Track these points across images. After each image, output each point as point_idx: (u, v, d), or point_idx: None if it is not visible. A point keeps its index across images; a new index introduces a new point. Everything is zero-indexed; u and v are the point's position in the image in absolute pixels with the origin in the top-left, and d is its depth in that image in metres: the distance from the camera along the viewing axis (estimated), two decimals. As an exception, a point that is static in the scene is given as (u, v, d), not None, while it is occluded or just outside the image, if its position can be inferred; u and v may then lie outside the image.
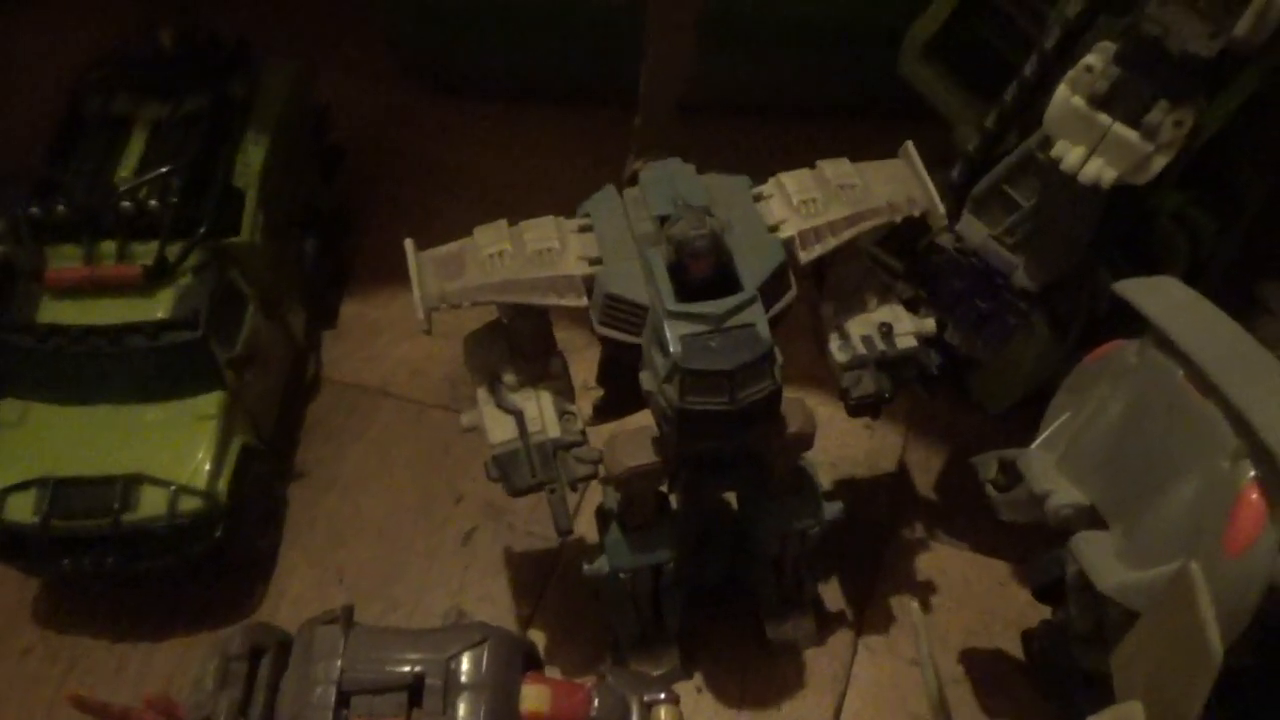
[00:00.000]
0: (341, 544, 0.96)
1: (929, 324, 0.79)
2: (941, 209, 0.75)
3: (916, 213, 0.75)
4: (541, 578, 0.94)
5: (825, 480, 0.85)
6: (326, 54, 1.26)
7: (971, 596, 0.94)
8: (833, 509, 0.82)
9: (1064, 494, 0.64)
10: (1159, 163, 0.65)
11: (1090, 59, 0.65)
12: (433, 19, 1.21)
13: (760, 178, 0.79)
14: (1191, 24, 0.61)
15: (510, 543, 0.96)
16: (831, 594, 0.94)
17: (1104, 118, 0.66)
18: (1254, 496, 0.54)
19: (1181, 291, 0.62)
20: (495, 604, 0.93)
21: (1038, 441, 0.67)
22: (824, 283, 0.79)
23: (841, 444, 1.05)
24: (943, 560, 0.96)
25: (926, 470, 1.01)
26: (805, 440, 0.77)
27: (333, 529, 0.96)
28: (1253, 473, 0.54)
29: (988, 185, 0.76)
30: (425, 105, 1.31)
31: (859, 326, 0.78)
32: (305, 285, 1.06)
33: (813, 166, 0.77)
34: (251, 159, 0.97)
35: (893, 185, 0.77)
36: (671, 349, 0.67)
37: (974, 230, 0.77)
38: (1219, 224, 0.92)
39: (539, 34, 1.20)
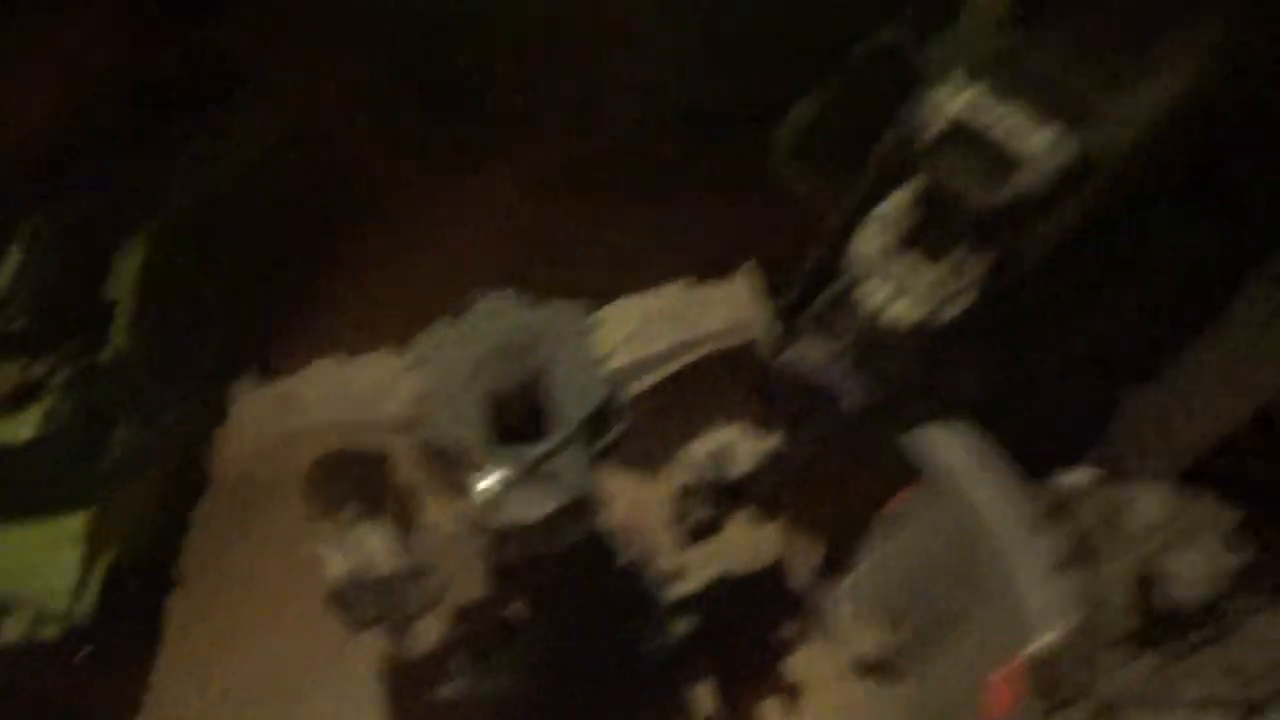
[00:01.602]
0: (223, 653, 0.97)
1: (770, 443, 0.79)
2: (771, 334, 0.75)
3: (746, 339, 0.76)
4: (426, 689, 0.95)
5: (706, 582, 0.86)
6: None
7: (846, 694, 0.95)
8: (686, 624, 0.83)
9: (859, 640, 0.64)
10: (960, 303, 0.65)
11: (889, 205, 0.66)
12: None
13: (624, 266, 0.80)
14: (969, 180, 0.61)
15: (397, 653, 0.97)
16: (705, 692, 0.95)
17: (904, 262, 0.66)
18: (1019, 668, 0.55)
19: (971, 442, 0.62)
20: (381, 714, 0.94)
21: (844, 586, 0.67)
22: (666, 406, 0.80)
23: (745, 545, 1.05)
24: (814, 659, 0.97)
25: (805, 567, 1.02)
26: (641, 564, 0.78)
27: (214, 638, 0.97)
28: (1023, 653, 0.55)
29: (817, 309, 0.77)
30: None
31: (697, 451, 0.78)
32: (195, 382, 1.07)
33: (646, 290, 0.78)
34: (130, 265, 0.98)
35: (725, 310, 0.77)
36: (482, 497, 0.67)
37: (808, 351, 0.77)
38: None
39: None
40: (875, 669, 0.64)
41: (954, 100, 0.60)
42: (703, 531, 0.77)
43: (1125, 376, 0.84)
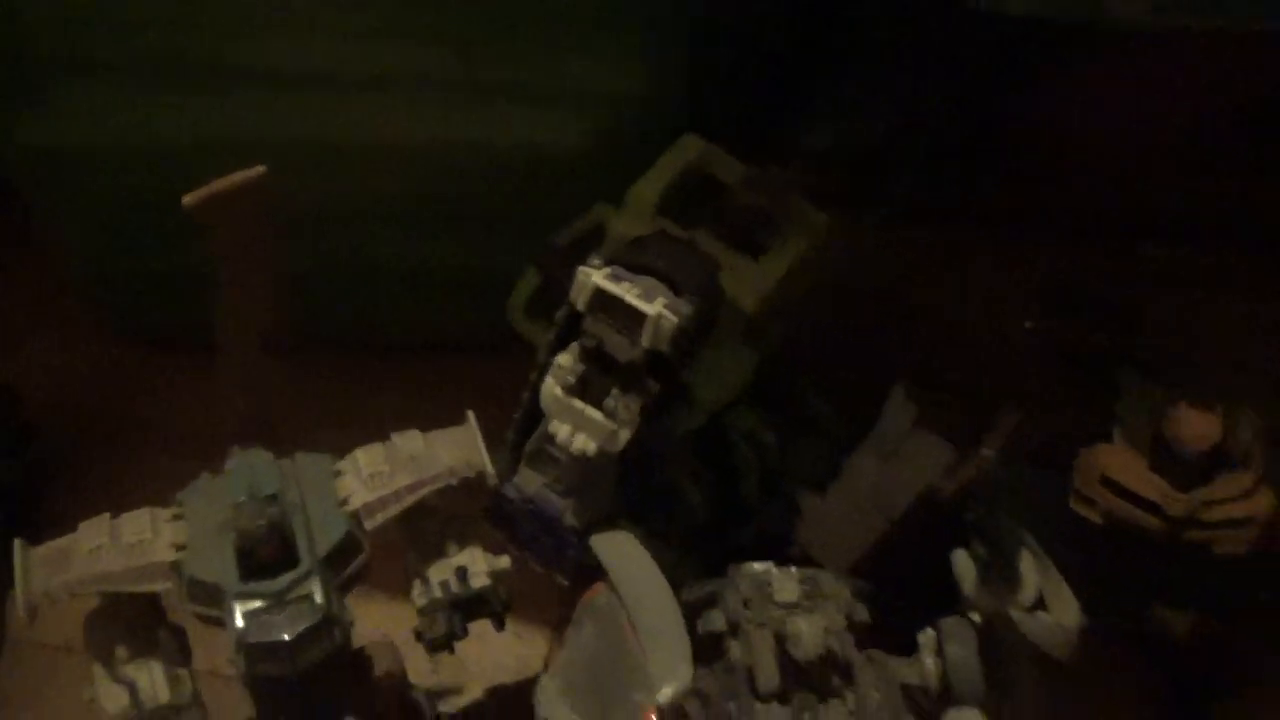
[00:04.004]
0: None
1: (503, 562, 0.92)
2: (491, 470, 0.89)
3: (473, 474, 0.90)
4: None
5: (477, 690, 0.97)
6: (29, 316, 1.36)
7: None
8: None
9: (561, 717, 0.77)
10: (624, 436, 0.81)
11: (562, 358, 0.81)
12: (151, 280, 1.33)
13: (371, 415, 0.92)
14: (613, 337, 0.78)
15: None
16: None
17: (578, 403, 0.81)
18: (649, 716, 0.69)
19: (630, 546, 0.78)
20: None
21: (551, 670, 0.80)
22: (408, 536, 0.92)
23: (497, 654, 1.17)
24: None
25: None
26: (396, 677, 0.89)
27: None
28: (650, 704, 0.69)
29: (533, 444, 0.91)
30: (136, 362, 1.41)
31: (437, 572, 0.91)
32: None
33: (386, 439, 0.91)
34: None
35: (455, 450, 0.91)
36: (236, 624, 0.78)
37: (529, 480, 0.91)
38: (783, 441, 1.10)
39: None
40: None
41: (595, 275, 0.77)
42: (441, 645, 0.89)
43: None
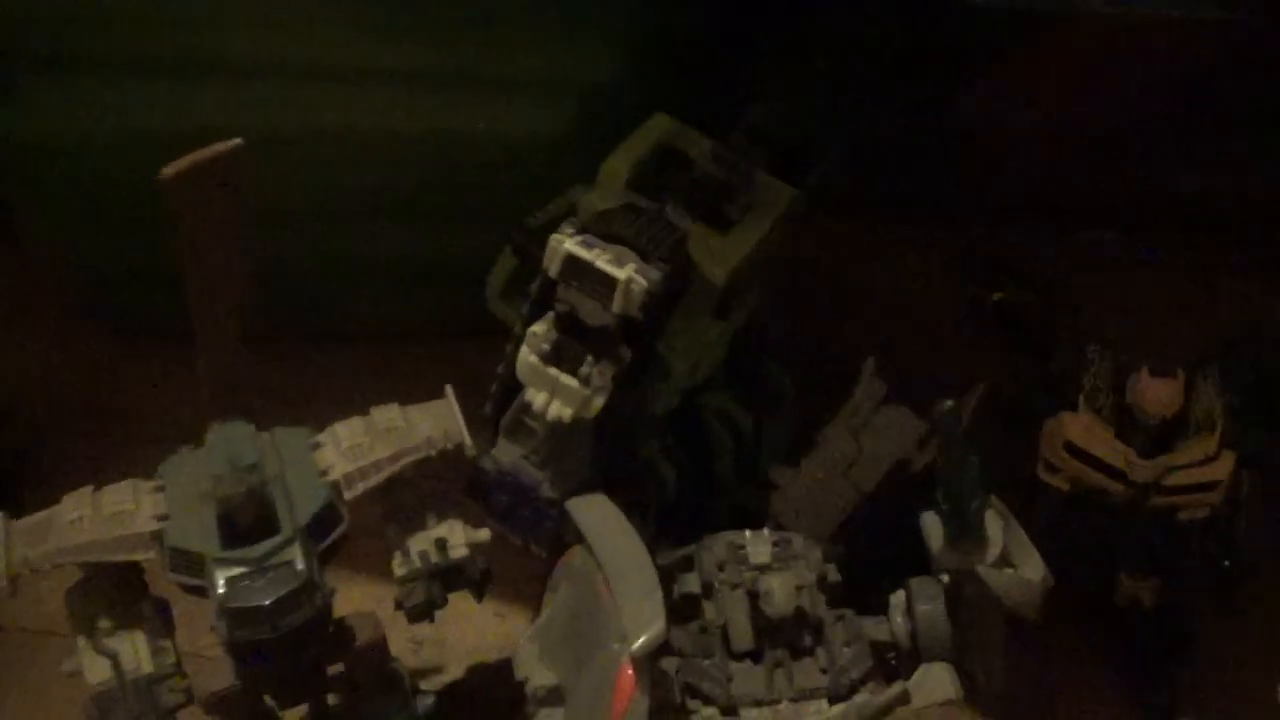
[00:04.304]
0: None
1: (482, 534, 0.94)
2: (469, 441, 0.91)
3: (451, 446, 0.91)
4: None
5: (459, 669, 0.98)
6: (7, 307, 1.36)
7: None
8: (424, 702, 0.95)
9: (538, 676, 0.78)
10: (598, 402, 0.82)
11: (537, 327, 0.83)
12: (129, 271, 1.33)
13: (349, 402, 0.93)
14: (586, 303, 0.80)
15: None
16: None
17: (553, 370, 0.83)
18: (628, 671, 0.71)
19: (606, 508, 0.80)
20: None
21: (529, 633, 0.82)
22: (388, 510, 0.94)
23: (478, 634, 1.18)
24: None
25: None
26: (377, 647, 0.91)
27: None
28: (627, 653, 0.71)
29: (510, 416, 0.93)
30: (115, 353, 1.41)
31: (418, 543, 0.92)
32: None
33: (365, 413, 0.93)
34: None
35: (433, 422, 0.92)
36: (218, 590, 0.79)
37: (506, 453, 0.93)
38: (755, 417, 1.12)
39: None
40: (550, 699, 0.77)
41: (567, 241, 0.78)
42: (421, 612, 0.90)
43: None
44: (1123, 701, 1.09)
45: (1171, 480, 0.95)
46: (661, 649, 0.74)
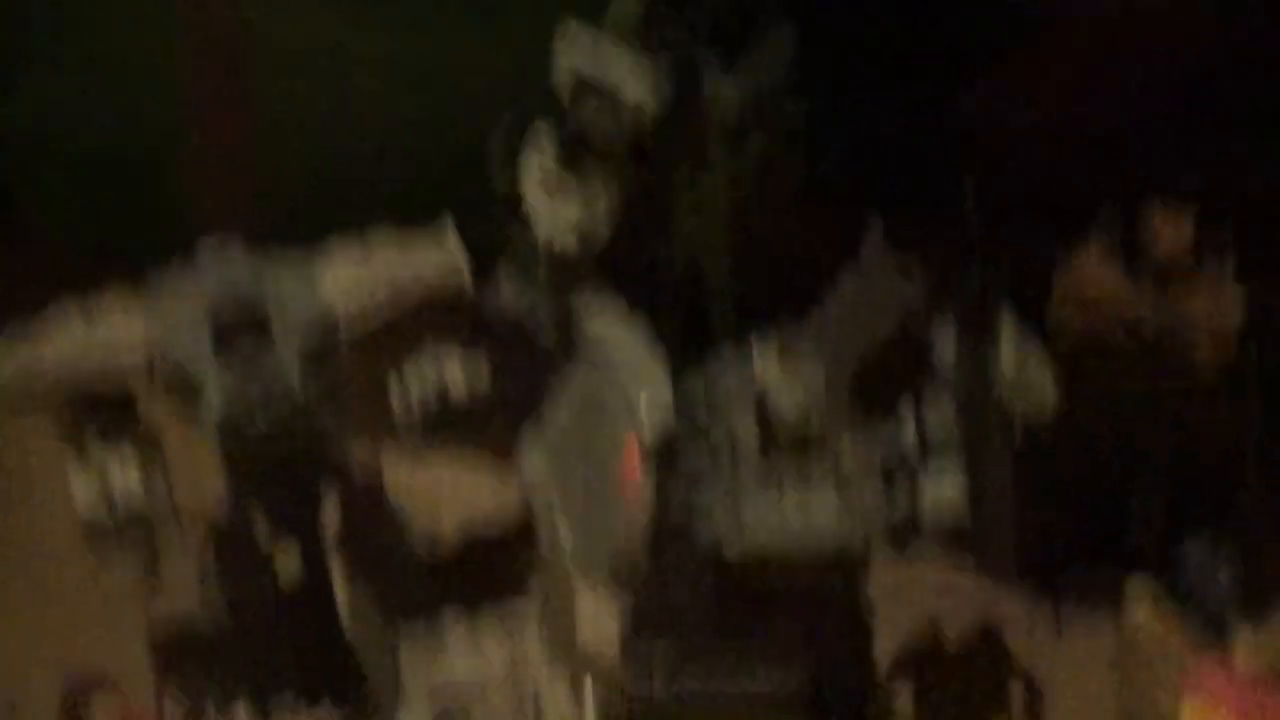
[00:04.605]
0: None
1: (479, 375, 0.93)
2: (469, 278, 0.90)
3: (451, 283, 0.90)
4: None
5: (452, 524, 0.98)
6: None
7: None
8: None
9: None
10: (600, 233, 0.84)
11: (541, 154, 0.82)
12: None
13: None
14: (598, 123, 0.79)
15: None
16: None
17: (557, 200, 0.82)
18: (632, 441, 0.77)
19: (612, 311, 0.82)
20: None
21: (530, 437, 0.85)
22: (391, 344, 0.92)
23: (473, 491, 1.18)
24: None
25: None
26: (375, 479, 0.90)
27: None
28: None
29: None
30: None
31: (414, 377, 0.91)
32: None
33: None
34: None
35: (434, 260, 0.90)
36: (213, 404, 0.80)
37: (509, 292, 0.92)
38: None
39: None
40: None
41: (572, 51, 0.77)
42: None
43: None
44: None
45: (1183, 312, 0.95)
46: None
